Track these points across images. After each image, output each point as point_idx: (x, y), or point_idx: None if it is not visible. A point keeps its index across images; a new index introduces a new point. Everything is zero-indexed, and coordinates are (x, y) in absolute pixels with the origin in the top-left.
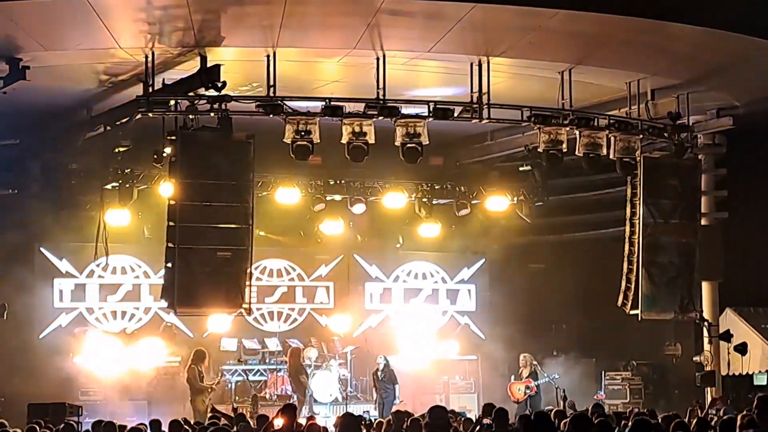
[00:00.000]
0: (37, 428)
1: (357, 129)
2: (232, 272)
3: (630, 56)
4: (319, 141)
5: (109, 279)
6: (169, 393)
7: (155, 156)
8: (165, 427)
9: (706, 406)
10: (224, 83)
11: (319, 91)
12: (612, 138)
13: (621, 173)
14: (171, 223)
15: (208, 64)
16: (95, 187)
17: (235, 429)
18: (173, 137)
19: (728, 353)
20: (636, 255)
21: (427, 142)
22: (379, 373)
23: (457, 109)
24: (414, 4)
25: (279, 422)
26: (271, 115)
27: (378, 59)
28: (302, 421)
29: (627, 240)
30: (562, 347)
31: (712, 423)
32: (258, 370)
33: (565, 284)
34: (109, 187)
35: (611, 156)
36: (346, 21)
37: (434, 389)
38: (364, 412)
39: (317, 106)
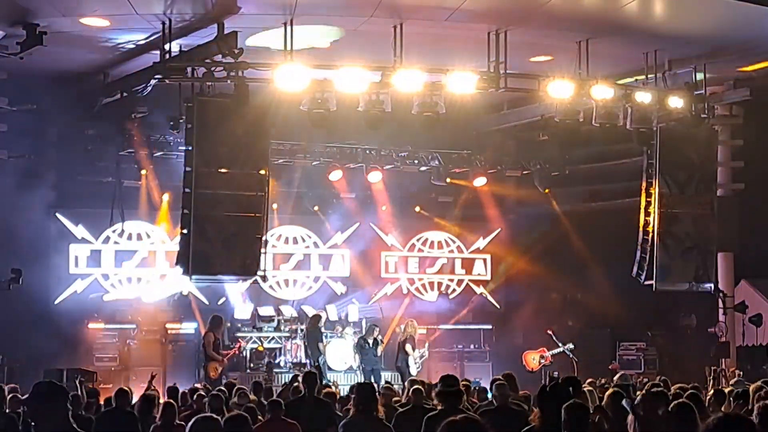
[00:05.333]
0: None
1: (374, 97)
2: (247, 239)
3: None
4: (336, 108)
5: (124, 245)
6: (184, 360)
7: (171, 122)
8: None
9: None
10: (241, 50)
11: (336, 59)
12: (629, 108)
13: (637, 144)
14: (187, 190)
15: (225, 31)
16: (111, 153)
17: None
18: (190, 104)
19: (743, 324)
20: (652, 225)
21: (444, 111)
22: (370, 341)
23: (474, 78)
24: None
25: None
26: (288, 83)
27: (395, 27)
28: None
29: (643, 210)
30: (577, 317)
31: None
32: (273, 338)
33: (581, 254)
34: (125, 153)
35: (628, 126)
36: None
37: (448, 357)
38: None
39: (334, 73)
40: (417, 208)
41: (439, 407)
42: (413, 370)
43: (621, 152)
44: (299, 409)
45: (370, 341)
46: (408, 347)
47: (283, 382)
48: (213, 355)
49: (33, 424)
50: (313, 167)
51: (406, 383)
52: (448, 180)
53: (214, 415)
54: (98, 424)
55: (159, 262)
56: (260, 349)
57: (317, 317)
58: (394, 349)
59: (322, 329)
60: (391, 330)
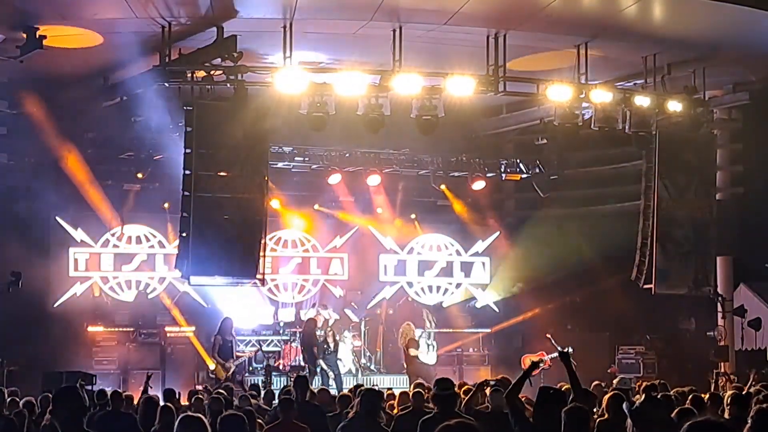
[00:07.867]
0: (50, 396)
1: (373, 100)
2: (246, 243)
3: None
4: (335, 112)
5: (124, 248)
6: (182, 362)
7: (171, 126)
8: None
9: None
10: (240, 54)
11: (335, 63)
12: (628, 112)
13: (636, 147)
14: (186, 193)
15: (225, 35)
16: (111, 156)
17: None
18: (189, 107)
19: (742, 328)
20: (651, 229)
21: (443, 115)
22: (330, 342)
23: (474, 82)
24: None
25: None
26: (287, 86)
27: (395, 31)
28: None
29: (642, 214)
30: (575, 321)
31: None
32: (272, 341)
33: (579, 258)
34: (124, 156)
35: (627, 130)
36: None
37: (447, 361)
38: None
39: (334, 76)
40: (413, 215)
41: (434, 410)
42: (431, 359)
43: (620, 156)
44: None
45: (331, 343)
46: (412, 351)
47: (282, 385)
48: (216, 358)
49: None
50: (312, 170)
51: (411, 386)
52: (445, 184)
53: (198, 414)
54: (97, 426)
55: (158, 266)
56: (259, 351)
57: (313, 321)
58: (395, 352)
59: (320, 333)
60: (381, 333)
